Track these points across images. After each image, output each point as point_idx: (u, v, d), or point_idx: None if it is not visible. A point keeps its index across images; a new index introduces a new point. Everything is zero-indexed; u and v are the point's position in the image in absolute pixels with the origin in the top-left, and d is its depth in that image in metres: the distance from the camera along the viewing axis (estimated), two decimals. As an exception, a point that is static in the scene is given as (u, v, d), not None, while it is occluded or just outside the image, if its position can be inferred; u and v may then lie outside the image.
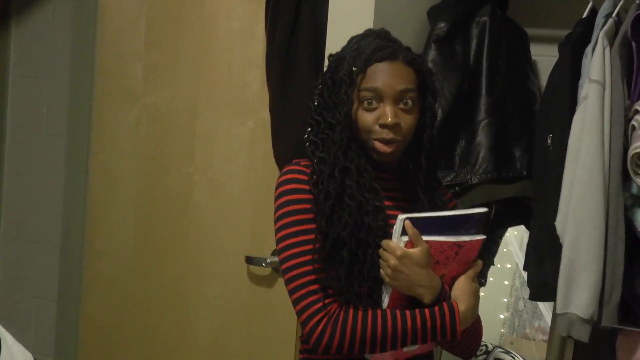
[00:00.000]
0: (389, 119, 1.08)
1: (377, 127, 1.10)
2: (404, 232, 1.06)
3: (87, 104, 2.01)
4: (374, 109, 1.10)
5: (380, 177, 1.13)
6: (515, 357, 1.62)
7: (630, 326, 1.27)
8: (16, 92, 2.19)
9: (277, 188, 1.13)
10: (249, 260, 1.74)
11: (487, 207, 1.18)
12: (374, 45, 1.11)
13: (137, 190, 1.90)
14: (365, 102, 1.10)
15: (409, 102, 1.10)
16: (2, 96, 2.15)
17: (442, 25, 1.47)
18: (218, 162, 1.80)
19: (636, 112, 1.22)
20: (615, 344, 1.32)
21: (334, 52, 1.16)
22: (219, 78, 1.79)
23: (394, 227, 1.07)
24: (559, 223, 1.26)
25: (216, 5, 1.77)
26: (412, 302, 1.09)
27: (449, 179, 1.43)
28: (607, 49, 1.24)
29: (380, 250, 1.07)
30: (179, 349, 1.84)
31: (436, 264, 1.09)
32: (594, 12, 1.33)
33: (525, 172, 1.45)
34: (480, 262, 1.15)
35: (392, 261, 1.05)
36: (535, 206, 1.37)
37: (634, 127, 1.22)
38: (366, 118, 1.10)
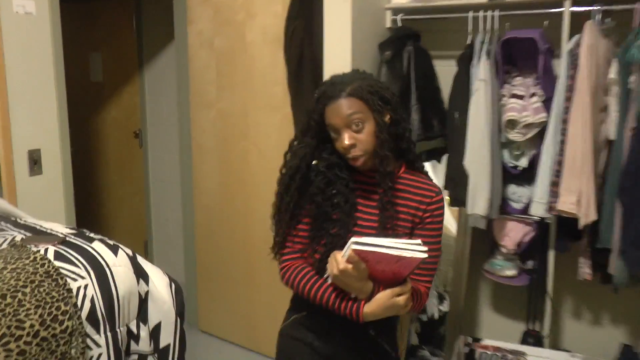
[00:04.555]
0: (344, 143, 1.54)
1: (343, 150, 1.55)
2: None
3: (188, 110, 3.45)
4: (338, 137, 1.55)
5: (362, 179, 1.62)
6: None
7: (503, 214, 2.54)
8: (151, 108, 4.24)
9: None
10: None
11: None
12: (322, 91, 1.57)
13: (218, 158, 3.31)
14: (332, 132, 1.56)
15: (357, 123, 1.52)
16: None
17: (388, 52, 2.57)
18: (262, 138, 3.07)
19: (503, 95, 2.45)
20: (493, 226, 2.63)
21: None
22: (258, 91, 3.06)
23: (346, 244, 1.43)
24: (466, 162, 2.41)
25: (254, 50, 3.05)
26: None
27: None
28: (486, 61, 2.39)
29: (330, 256, 1.49)
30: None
31: (377, 263, 1.44)
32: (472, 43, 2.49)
33: (440, 134, 2.59)
34: (409, 286, 1.51)
35: (335, 270, 1.46)
36: (450, 153, 2.51)
37: (504, 105, 2.44)
38: (337, 144, 1.57)
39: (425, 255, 1.39)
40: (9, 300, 1.35)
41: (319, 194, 1.59)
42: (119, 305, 1.56)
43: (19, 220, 2.05)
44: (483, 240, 2.76)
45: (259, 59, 3.01)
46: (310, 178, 1.61)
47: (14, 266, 1.46)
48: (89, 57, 4.35)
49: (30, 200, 2.68)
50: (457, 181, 2.47)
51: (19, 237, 1.76)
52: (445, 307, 2.79)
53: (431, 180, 1.67)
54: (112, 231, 4.38)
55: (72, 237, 1.75)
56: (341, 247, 1.49)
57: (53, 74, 2.77)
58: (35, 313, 1.36)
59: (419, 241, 1.43)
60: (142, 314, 1.64)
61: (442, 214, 1.63)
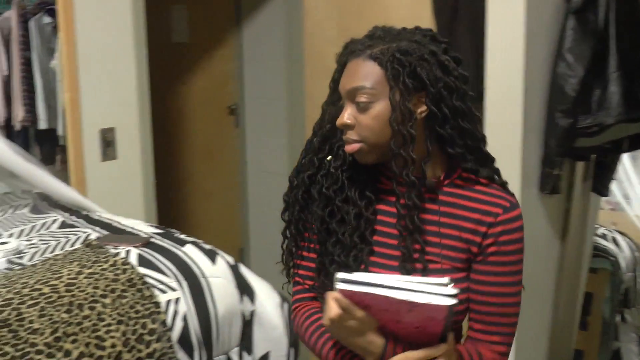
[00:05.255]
0: (340, 120, 1.42)
1: (339, 127, 1.45)
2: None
3: (301, 78, 3.75)
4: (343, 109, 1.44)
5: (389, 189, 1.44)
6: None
7: None
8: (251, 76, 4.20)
9: None
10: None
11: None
12: (351, 40, 1.47)
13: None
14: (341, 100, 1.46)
15: (362, 100, 1.39)
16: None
17: (577, -1, 2.43)
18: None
19: None
20: None
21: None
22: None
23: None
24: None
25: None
26: None
27: (588, 122, 2.35)
28: None
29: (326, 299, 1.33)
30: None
31: (384, 310, 1.26)
32: None
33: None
34: (444, 348, 1.30)
35: (325, 321, 1.32)
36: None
37: None
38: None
39: (453, 300, 1.21)
40: (87, 311, 1.42)
41: (324, 203, 1.47)
42: (217, 327, 1.60)
43: (92, 214, 2.17)
44: None
45: (396, 10, 3.01)
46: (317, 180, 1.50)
47: (90, 270, 1.53)
48: (170, 12, 4.50)
49: (102, 190, 2.82)
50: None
51: (93, 236, 1.86)
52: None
53: (504, 189, 1.45)
54: (198, 235, 4.47)
55: (159, 237, 1.82)
56: None
57: (132, 33, 2.89)
58: (117, 330, 1.42)
59: (445, 280, 1.26)
60: (246, 341, 1.69)
61: (517, 240, 1.41)
